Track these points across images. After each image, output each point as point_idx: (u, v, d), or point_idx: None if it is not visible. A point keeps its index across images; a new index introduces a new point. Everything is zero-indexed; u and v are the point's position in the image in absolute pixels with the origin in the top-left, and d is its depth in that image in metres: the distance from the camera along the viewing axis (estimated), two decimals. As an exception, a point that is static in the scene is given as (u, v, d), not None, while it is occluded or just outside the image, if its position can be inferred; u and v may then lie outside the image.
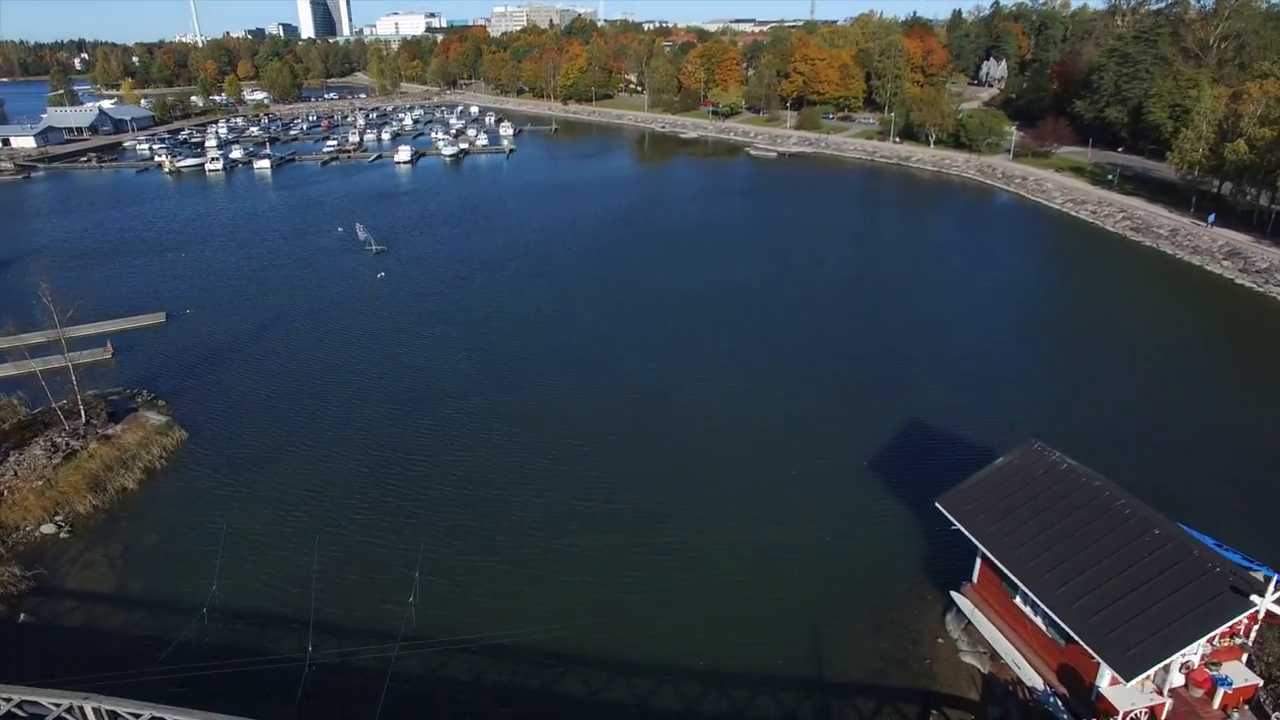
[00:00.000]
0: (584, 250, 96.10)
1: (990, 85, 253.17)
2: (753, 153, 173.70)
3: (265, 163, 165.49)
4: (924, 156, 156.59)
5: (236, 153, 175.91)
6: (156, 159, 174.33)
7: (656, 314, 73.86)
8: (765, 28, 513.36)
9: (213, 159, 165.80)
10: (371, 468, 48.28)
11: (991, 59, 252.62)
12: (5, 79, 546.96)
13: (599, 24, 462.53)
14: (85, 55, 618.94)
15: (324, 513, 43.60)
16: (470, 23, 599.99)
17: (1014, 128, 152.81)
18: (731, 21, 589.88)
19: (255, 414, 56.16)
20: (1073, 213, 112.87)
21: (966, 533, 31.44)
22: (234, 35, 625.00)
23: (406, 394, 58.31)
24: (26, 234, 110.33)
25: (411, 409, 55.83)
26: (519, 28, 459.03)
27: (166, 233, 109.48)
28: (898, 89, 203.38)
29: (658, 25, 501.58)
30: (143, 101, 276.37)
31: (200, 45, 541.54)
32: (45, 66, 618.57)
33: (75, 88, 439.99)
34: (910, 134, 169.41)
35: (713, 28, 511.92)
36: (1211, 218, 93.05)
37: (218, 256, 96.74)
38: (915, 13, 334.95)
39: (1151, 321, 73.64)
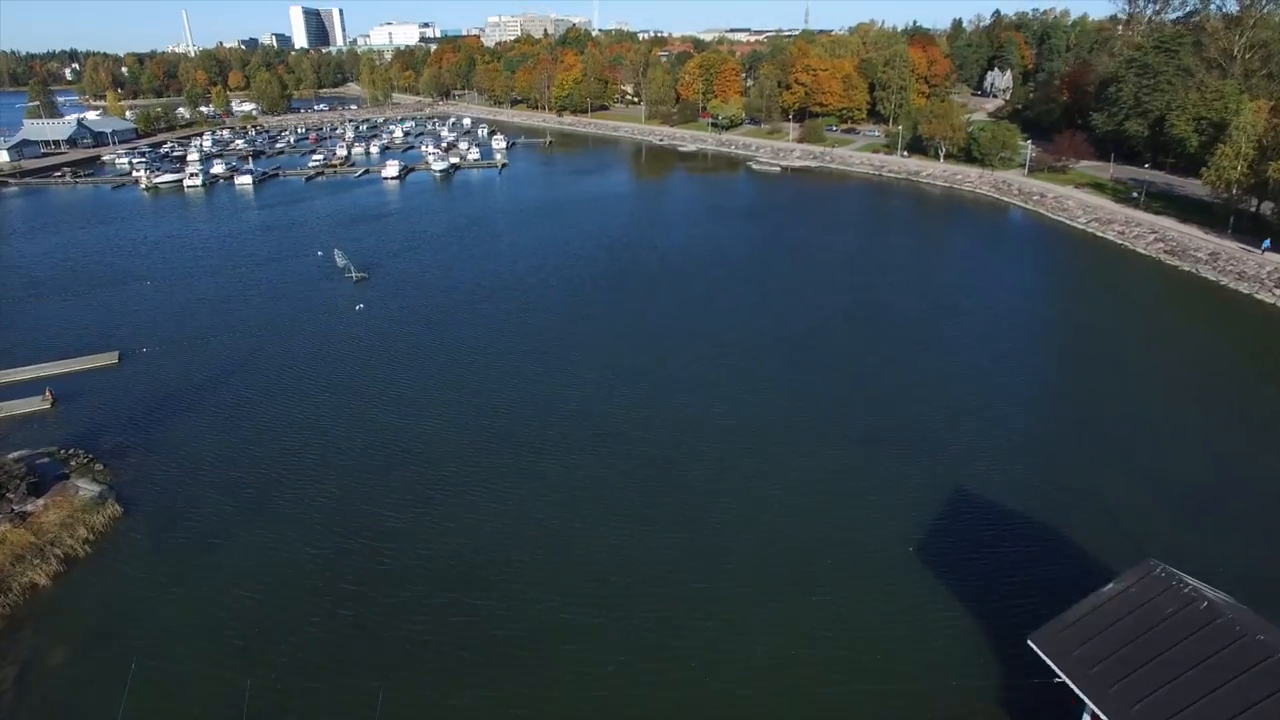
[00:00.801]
0: (578, 279, 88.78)
1: (994, 96, 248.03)
2: (755, 167, 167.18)
3: (247, 179, 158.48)
4: (934, 171, 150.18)
5: (218, 167, 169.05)
6: (134, 174, 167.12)
7: (660, 357, 66.55)
8: (761, 37, 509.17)
9: (192, 175, 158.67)
10: (330, 561, 40.88)
11: (996, 69, 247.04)
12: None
13: (594, 34, 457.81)
14: (76, 65, 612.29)
15: (266, 623, 36.23)
16: (464, 33, 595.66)
17: (1029, 141, 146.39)
18: (727, 31, 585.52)
19: (204, 483, 48.80)
20: (1099, 233, 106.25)
21: (1079, 692, 24.29)
22: (227, 45, 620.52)
23: (377, 460, 50.91)
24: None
25: (381, 481, 48.43)
26: (513, 37, 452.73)
27: (132, 258, 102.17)
28: (903, 100, 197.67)
29: (653, 35, 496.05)
30: (128, 113, 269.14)
31: (191, 55, 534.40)
32: (36, 76, 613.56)
33: (63, 98, 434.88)
34: (918, 147, 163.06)
35: (708, 37, 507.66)
36: (1266, 244, 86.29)
37: (185, 286, 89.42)
38: (916, 21, 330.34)
39: (1211, 359, 66.73)
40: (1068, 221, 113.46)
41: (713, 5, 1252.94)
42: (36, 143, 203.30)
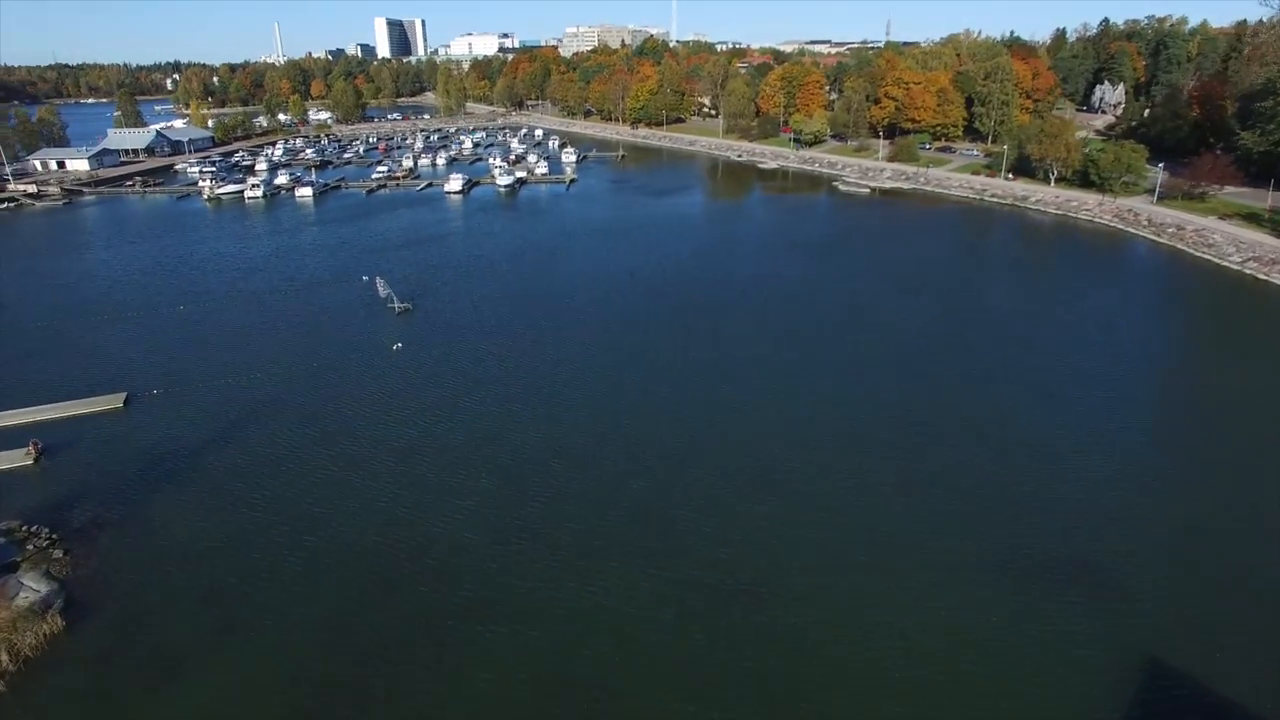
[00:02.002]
0: (646, 323, 77.87)
1: (1102, 112, 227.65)
2: (842, 188, 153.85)
3: (307, 190, 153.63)
4: (1045, 197, 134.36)
5: (281, 178, 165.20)
6: (199, 184, 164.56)
7: (747, 431, 55.18)
8: (844, 49, 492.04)
9: (253, 185, 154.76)
10: (318, 695, 31.08)
11: (1105, 83, 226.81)
12: (105, 99, 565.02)
13: (671, 44, 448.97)
14: (176, 76, 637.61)
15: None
16: (542, 43, 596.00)
17: (1160, 165, 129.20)
18: (806, 43, 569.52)
19: (177, 585, 39.87)
20: (1261, 275, 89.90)
21: None
22: (315, 56, 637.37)
23: (396, 563, 41.22)
24: (16, 277, 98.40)
25: (395, 591, 38.69)
26: (590, 48, 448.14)
27: (172, 278, 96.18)
28: (1005, 117, 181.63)
29: (731, 46, 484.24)
30: (210, 122, 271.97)
31: (278, 65, 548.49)
32: (142, 87, 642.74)
33: (159, 107, 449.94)
34: (1025, 169, 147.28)
35: (788, 49, 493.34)
36: None
37: (217, 312, 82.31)
38: (1013, 32, 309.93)
39: None
40: (1216, 260, 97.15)
41: (792, 17, 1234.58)
42: (116, 152, 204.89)
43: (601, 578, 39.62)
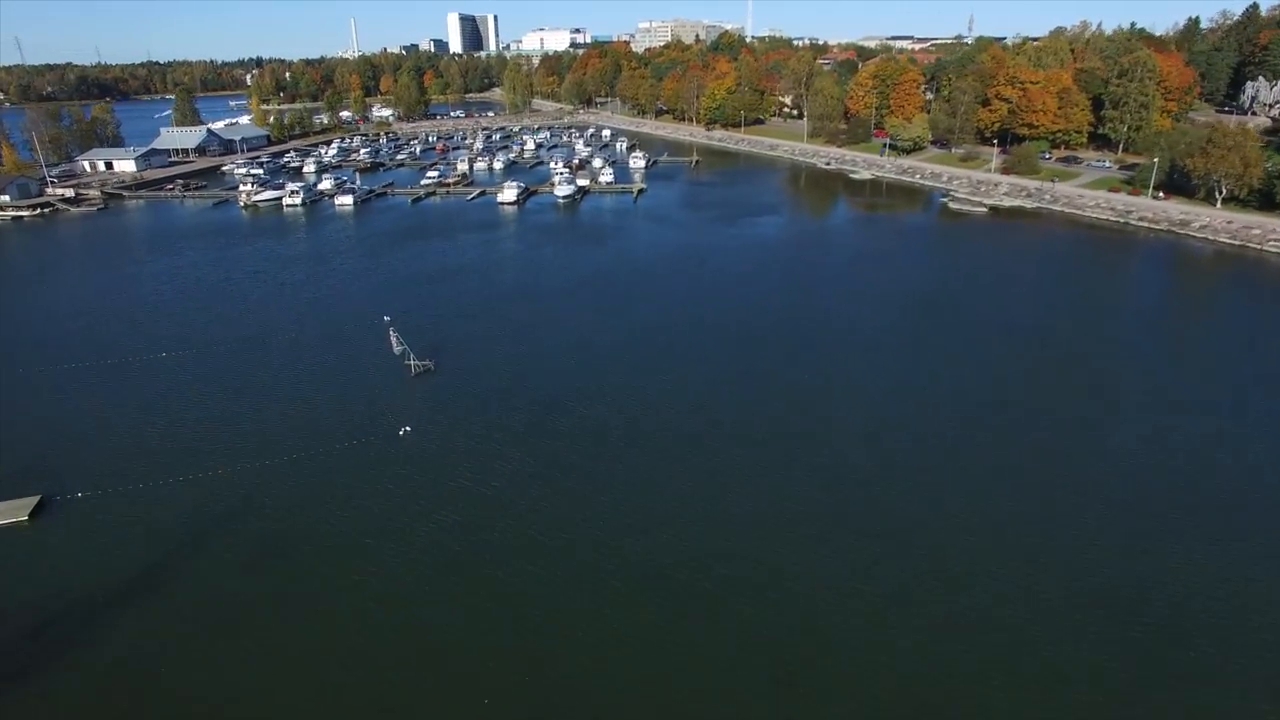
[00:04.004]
0: (717, 404, 59.12)
1: (1254, 113, 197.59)
2: (952, 206, 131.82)
3: (348, 199, 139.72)
4: (1212, 222, 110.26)
5: (325, 183, 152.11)
6: (239, 189, 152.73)
7: (859, 569, 36.50)
8: (927, 45, 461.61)
9: (292, 193, 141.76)
10: None
11: (1261, 79, 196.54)
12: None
13: (747, 40, 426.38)
14: (255, 72, 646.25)
15: None
16: (614, 38, 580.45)
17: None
18: (887, 38, 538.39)
19: None
20: None
21: None
22: (391, 51, 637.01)
23: None
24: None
25: None
26: (663, 43, 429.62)
27: (160, 314, 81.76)
28: (1143, 121, 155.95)
29: (809, 42, 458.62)
30: (271, 118, 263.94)
31: (350, 60, 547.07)
32: (223, 82, 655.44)
33: (234, 102, 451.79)
34: (1179, 186, 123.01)
35: (871, 45, 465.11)
36: None
37: (198, 365, 67.15)
38: (1134, 23, 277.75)
39: None
40: None
41: (869, 12, 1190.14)
42: (164, 152, 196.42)
43: None
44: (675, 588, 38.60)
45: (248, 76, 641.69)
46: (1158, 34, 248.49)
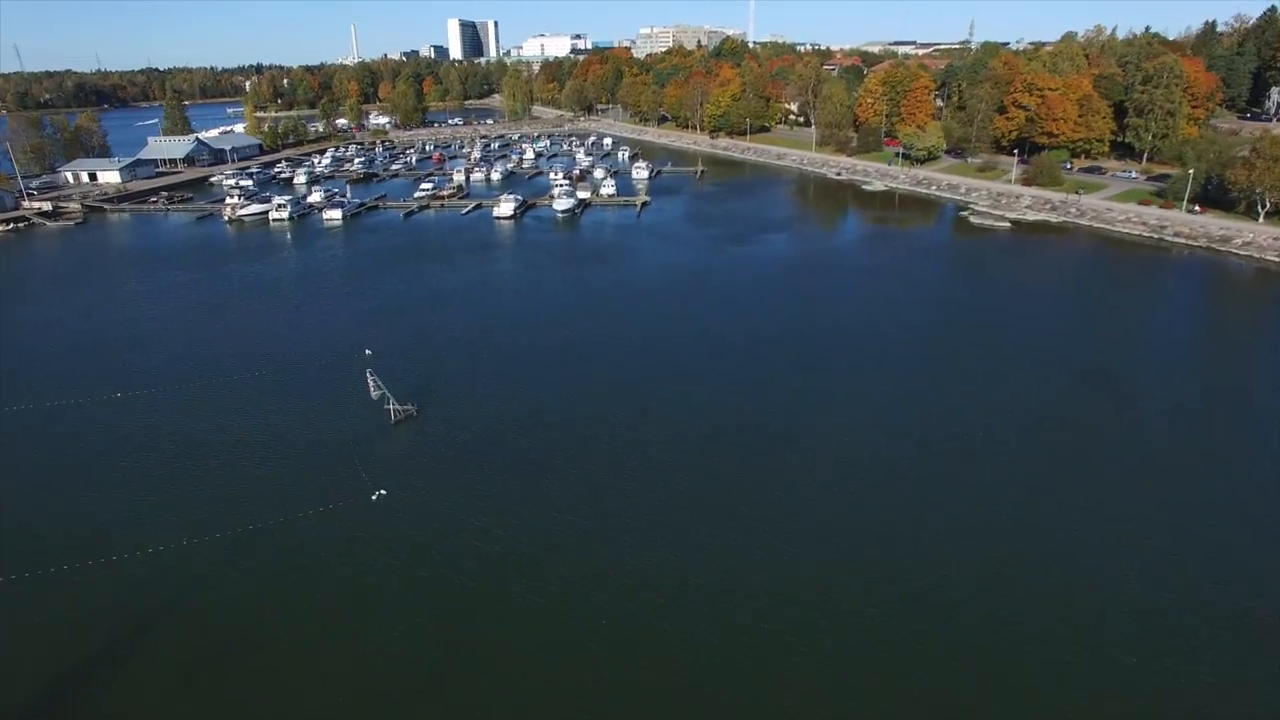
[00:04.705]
0: (733, 469, 51.92)
1: (1277, 120, 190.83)
2: (973, 220, 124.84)
3: (337, 213, 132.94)
4: (1255, 239, 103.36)
5: (315, 196, 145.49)
6: (226, 201, 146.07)
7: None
8: (931, 50, 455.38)
9: (279, 206, 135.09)
10: None
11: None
12: (187, 101, 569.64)
13: (750, 45, 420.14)
14: (255, 78, 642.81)
15: None
16: (615, 44, 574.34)
17: None
18: (890, 44, 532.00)
19: None
20: None
21: None
22: (392, 57, 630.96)
23: None
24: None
25: None
26: (664, 49, 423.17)
27: (115, 348, 74.29)
28: (1169, 129, 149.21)
29: (812, 48, 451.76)
30: (266, 126, 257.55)
31: (349, 66, 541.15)
32: (222, 89, 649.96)
33: (232, 109, 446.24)
34: (1215, 198, 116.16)
35: (875, 50, 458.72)
36: None
37: (141, 418, 59.57)
38: (1149, 27, 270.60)
39: None
40: None
41: (869, 17, 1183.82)
42: (151, 162, 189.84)
43: None
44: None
45: (247, 83, 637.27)
46: (1170, 38, 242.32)
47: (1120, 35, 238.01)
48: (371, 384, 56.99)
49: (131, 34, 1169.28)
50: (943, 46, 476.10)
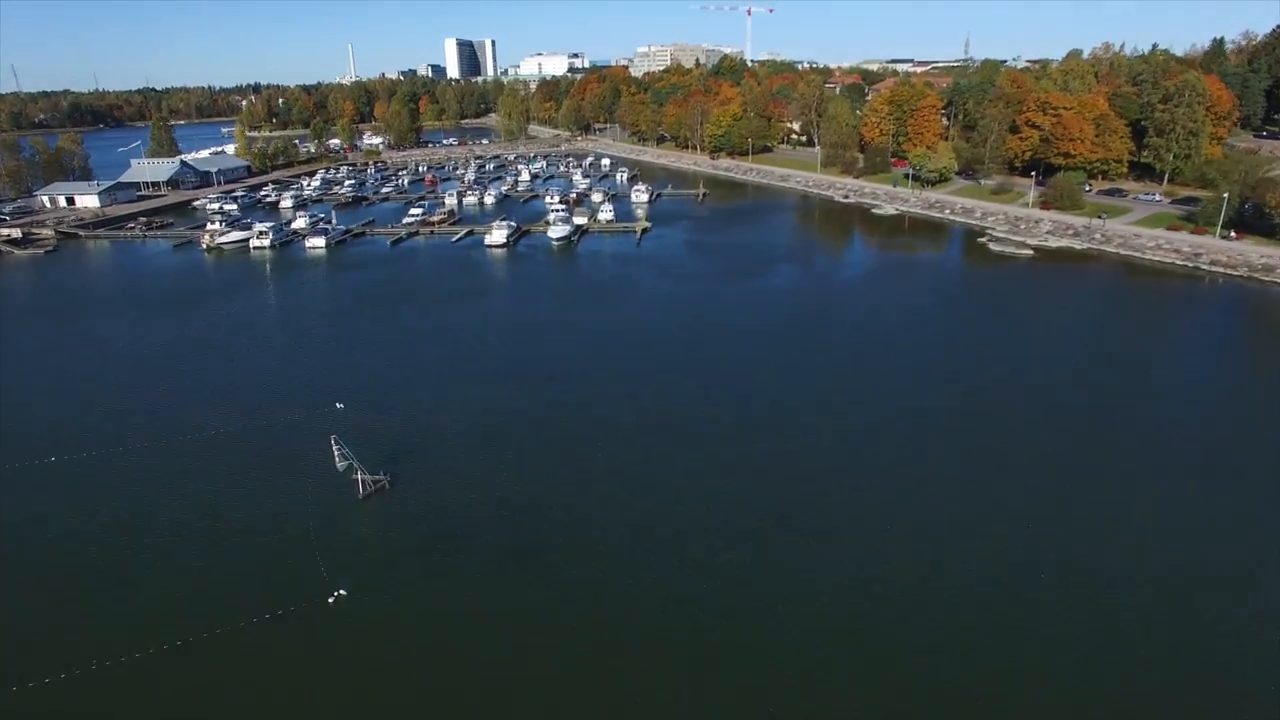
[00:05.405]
0: (748, 577, 44.14)
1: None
2: (993, 247, 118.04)
3: (320, 241, 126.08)
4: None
5: (300, 222, 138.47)
6: (207, 227, 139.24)
7: None
8: (929, 67, 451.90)
9: (260, 233, 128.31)
10: None
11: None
12: (183, 121, 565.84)
13: (748, 64, 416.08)
14: (253, 98, 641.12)
15: None
16: (612, 63, 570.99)
17: None
18: (887, 61, 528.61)
19: None
20: None
21: None
22: (389, 76, 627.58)
23: None
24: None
25: None
26: (662, 67, 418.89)
27: (52, 401, 66.59)
28: (1192, 149, 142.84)
29: (810, 66, 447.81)
30: (257, 146, 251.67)
31: (345, 85, 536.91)
32: (219, 109, 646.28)
33: (226, 129, 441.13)
34: (1250, 223, 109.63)
35: (872, 67, 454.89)
36: None
37: (62, 493, 51.78)
38: (1157, 45, 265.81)
39: None
40: None
41: (863, 35, 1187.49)
42: (132, 186, 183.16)
43: None
44: None
45: (243, 103, 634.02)
46: (1178, 55, 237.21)
47: (1123, 52, 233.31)
48: (337, 454, 49.54)
49: (130, 54, 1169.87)
50: (941, 64, 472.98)
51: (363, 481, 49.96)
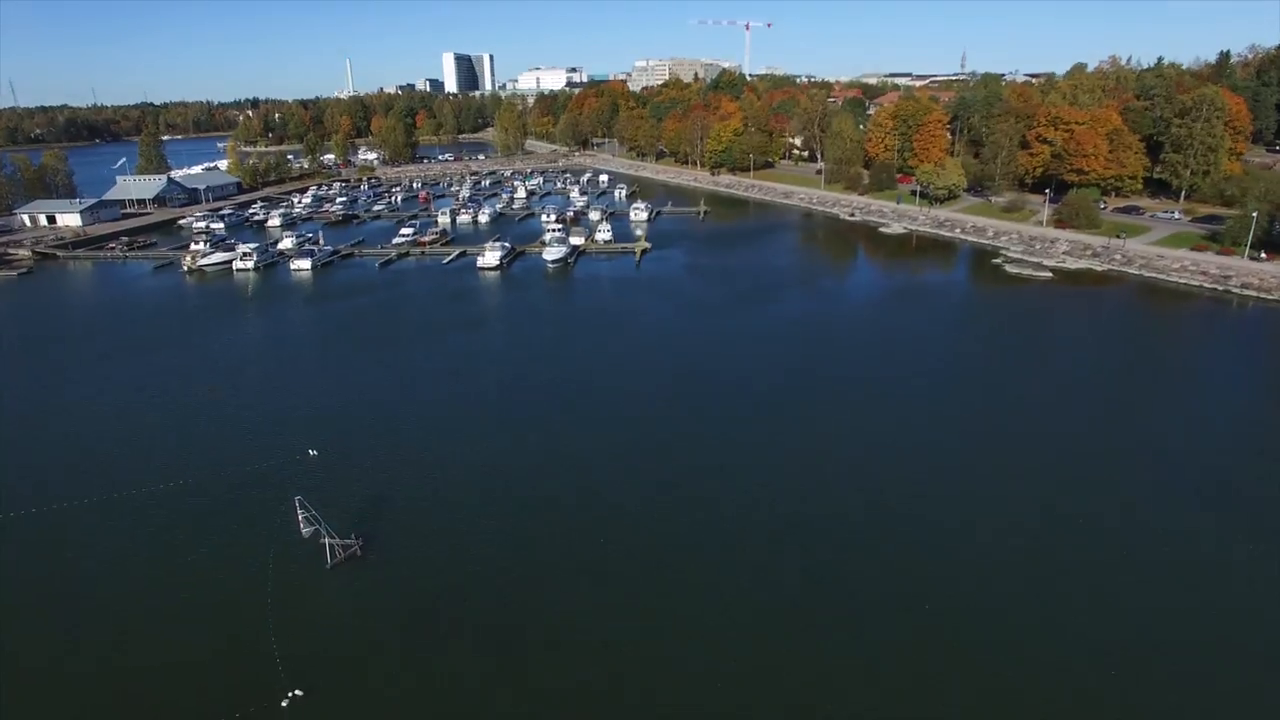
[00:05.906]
0: (766, 662, 38.92)
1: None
2: (1009, 269, 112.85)
3: (306, 263, 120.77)
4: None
5: (286, 242, 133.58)
6: (191, 247, 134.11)
7: None
8: (928, 81, 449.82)
9: (243, 255, 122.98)
10: None
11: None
12: (180, 136, 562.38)
13: (747, 78, 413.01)
14: (250, 113, 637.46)
15: None
16: (610, 77, 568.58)
17: None
18: (885, 75, 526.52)
19: None
20: None
21: None
22: (387, 91, 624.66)
23: None
24: None
25: None
26: (660, 82, 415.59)
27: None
28: (1211, 165, 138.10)
29: (808, 79, 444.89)
30: (249, 162, 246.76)
31: (341, 100, 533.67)
32: (216, 124, 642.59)
33: (221, 144, 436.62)
34: (1273, 242, 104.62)
35: (872, 81, 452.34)
36: None
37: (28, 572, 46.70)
38: (1162, 58, 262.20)
39: None
40: None
41: (861, 48, 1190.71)
42: (117, 203, 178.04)
43: None
44: None
45: (241, 117, 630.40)
46: (1184, 68, 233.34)
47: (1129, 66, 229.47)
48: (302, 518, 43.89)
49: (128, 69, 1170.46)
50: (940, 78, 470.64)
51: (331, 547, 44.29)
